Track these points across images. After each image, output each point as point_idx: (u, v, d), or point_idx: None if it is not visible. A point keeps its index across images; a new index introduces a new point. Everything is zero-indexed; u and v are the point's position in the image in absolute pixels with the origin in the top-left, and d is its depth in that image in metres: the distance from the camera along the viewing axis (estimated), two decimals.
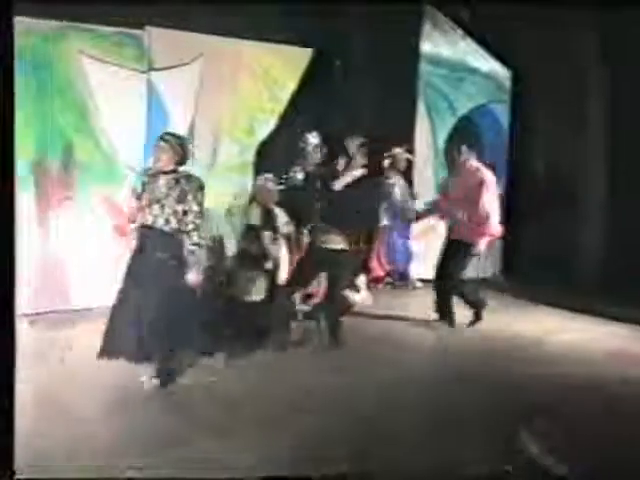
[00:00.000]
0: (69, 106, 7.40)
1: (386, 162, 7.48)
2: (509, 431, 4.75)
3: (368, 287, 8.48)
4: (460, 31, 9.82)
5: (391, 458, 4.41)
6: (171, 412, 5.04)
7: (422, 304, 7.84)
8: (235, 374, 5.83)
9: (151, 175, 5.58)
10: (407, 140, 9.41)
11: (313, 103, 8.94)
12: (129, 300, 5.38)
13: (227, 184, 8.21)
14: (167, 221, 5.41)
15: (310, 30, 8.79)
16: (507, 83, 10.42)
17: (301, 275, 6.84)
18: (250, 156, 8.57)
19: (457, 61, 9.95)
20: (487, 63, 10.19)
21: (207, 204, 7.84)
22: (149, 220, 5.46)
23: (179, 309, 5.36)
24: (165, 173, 5.48)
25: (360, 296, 8.24)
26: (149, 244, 5.45)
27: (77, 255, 7.54)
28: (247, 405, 5.22)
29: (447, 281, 7.51)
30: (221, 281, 7.45)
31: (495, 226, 7.32)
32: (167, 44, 7.83)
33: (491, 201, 7.28)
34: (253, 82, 8.49)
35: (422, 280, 9.09)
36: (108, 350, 5.40)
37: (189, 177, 5.50)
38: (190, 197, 5.41)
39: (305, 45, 8.81)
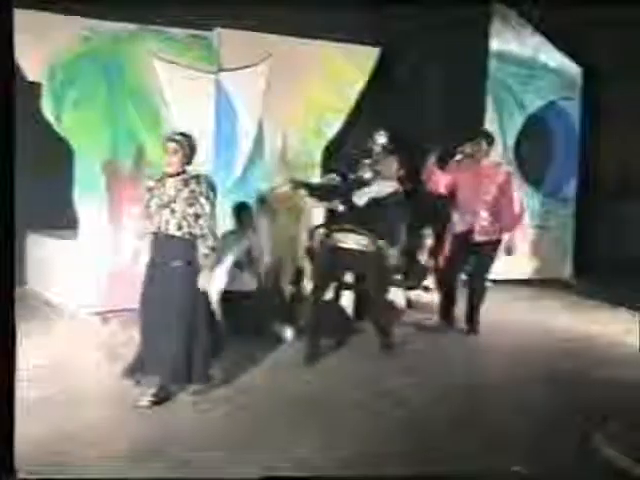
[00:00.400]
0: (140, 107, 7.54)
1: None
2: (583, 432, 4.74)
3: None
4: (530, 28, 9.70)
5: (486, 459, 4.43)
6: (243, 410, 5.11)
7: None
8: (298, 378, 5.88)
9: (158, 180, 5.33)
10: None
11: (381, 102, 8.94)
12: (153, 316, 5.21)
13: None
14: (179, 226, 5.15)
15: (378, 28, 8.80)
16: (578, 80, 10.27)
17: (317, 276, 6.63)
18: (317, 156, 8.60)
19: (527, 58, 9.85)
20: (557, 60, 10.07)
21: (275, 203, 8.08)
22: (160, 227, 5.20)
23: (198, 325, 5.20)
24: (171, 175, 5.23)
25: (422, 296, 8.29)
26: (163, 252, 5.21)
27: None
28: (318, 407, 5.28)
29: (482, 284, 7.46)
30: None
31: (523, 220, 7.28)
32: (236, 45, 7.90)
33: (517, 195, 7.30)
34: (321, 82, 8.49)
35: (494, 281, 9.00)
36: (136, 369, 5.25)
37: (198, 177, 5.24)
38: (202, 199, 5.15)
39: (373, 44, 8.79)
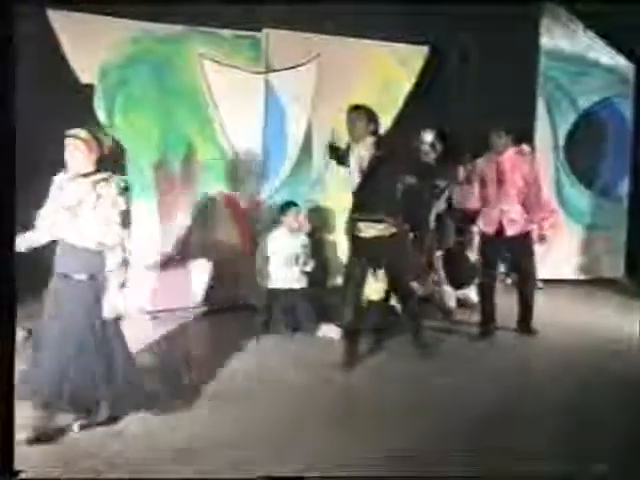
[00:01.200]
0: (190, 108, 7.64)
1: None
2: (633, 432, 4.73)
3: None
4: (581, 24, 9.61)
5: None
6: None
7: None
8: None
9: (68, 179, 4.61)
10: (527, 138, 9.23)
11: (429, 102, 8.92)
12: (49, 332, 4.55)
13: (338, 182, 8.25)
14: (81, 234, 4.50)
15: (426, 27, 8.78)
16: (631, 76, 10.14)
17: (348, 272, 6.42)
18: None
19: (578, 55, 9.76)
20: (610, 56, 9.95)
21: (326, 204, 8.13)
22: (60, 233, 4.56)
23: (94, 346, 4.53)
24: (82, 175, 4.54)
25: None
26: (66, 263, 4.55)
27: (198, 254, 7.77)
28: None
29: (531, 282, 7.38)
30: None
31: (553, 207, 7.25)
32: (284, 45, 7.99)
33: (544, 182, 7.30)
34: (369, 82, 8.52)
35: (544, 281, 8.93)
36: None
37: (108, 179, 4.54)
38: (110, 205, 4.48)
39: (421, 43, 8.81)
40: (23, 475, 3.49)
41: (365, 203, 6.10)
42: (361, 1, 8.05)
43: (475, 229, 8.13)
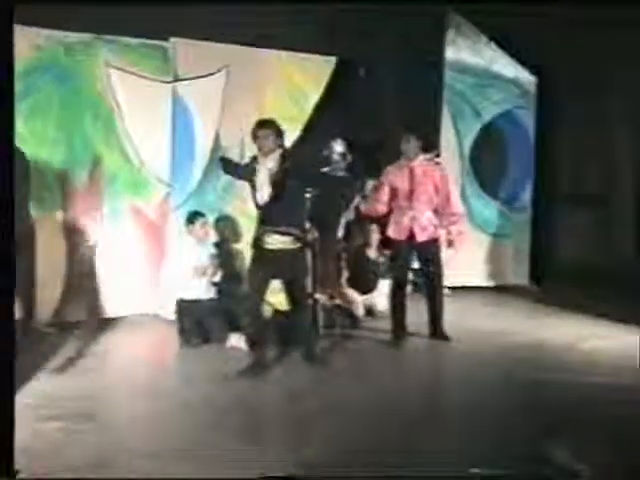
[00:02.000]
0: (96, 117, 7.58)
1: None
2: (536, 438, 4.79)
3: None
4: (484, 37, 9.88)
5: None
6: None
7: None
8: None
9: None
10: (433, 147, 9.43)
11: (337, 112, 9.02)
12: None
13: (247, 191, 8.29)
14: None
15: (333, 38, 8.90)
16: (533, 89, 10.46)
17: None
18: None
19: (482, 67, 10.02)
20: (512, 69, 10.26)
21: (233, 214, 8.13)
22: None
23: None
24: None
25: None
26: None
27: (106, 265, 7.70)
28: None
29: (440, 288, 7.53)
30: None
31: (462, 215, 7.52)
32: (192, 55, 7.99)
33: (454, 190, 7.46)
34: (278, 92, 8.58)
35: (452, 288, 9.11)
36: None
37: None
38: None
39: (328, 54, 8.90)
40: (23, 475, 3.54)
41: (272, 215, 6.12)
42: (269, 15, 8.11)
43: (375, 236, 8.28)
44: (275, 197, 6.05)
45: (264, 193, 6.08)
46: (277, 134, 6.16)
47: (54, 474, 4.09)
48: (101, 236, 7.73)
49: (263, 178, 6.10)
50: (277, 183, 6.05)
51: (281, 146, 6.22)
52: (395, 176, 7.26)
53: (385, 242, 8.02)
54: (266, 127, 6.16)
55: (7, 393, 3.27)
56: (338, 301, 8.14)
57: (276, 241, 6.17)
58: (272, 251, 6.18)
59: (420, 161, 7.27)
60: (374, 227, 8.33)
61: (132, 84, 7.75)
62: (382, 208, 7.38)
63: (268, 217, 6.16)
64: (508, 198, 10.47)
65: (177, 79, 7.95)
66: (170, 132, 7.95)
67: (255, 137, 6.17)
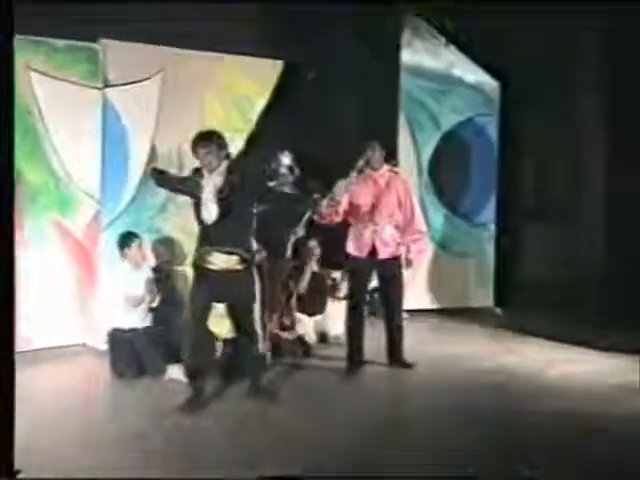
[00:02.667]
0: (17, 127, 7.28)
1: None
2: (505, 469, 4.77)
3: None
4: (444, 40, 9.85)
5: None
6: None
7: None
8: None
9: None
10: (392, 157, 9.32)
11: (285, 120, 8.92)
12: None
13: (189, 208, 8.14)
14: None
15: (280, 41, 8.79)
16: (495, 95, 10.45)
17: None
18: None
19: (441, 72, 10.02)
20: (474, 74, 10.25)
21: (173, 233, 7.97)
22: None
23: None
24: None
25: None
26: None
27: (28, 287, 7.41)
28: None
29: (399, 310, 7.44)
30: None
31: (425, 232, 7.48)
32: (124, 58, 7.79)
33: (417, 205, 7.42)
34: (220, 99, 8.46)
35: (409, 311, 9.01)
36: None
37: None
38: None
39: (275, 57, 8.79)
40: (23, 475, 3.57)
41: (217, 233, 5.94)
42: (209, 14, 7.98)
43: (312, 243, 8.16)
44: (222, 214, 5.88)
45: (211, 210, 5.90)
46: (220, 147, 5.99)
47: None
48: (23, 259, 7.43)
49: (209, 194, 5.91)
50: (224, 199, 5.89)
51: (227, 158, 6.05)
52: (357, 186, 7.10)
53: (335, 260, 7.95)
54: (207, 140, 5.96)
55: (7, 393, 3.37)
56: (287, 327, 8.01)
57: (220, 261, 5.99)
58: (215, 272, 6.01)
59: (384, 171, 7.18)
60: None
61: (57, 89, 7.52)
62: (336, 218, 7.16)
63: (213, 236, 5.98)
64: (469, 214, 10.45)
65: (108, 84, 7.76)
66: (100, 142, 7.75)
67: (196, 153, 5.99)
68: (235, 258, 6.00)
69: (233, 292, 6.13)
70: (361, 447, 5.27)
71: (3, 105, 3.41)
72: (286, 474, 4.23)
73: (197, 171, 6.07)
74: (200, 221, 6.00)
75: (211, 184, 5.91)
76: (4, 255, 3.45)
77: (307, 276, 8.29)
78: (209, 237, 6.00)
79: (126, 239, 7.21)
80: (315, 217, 7.37)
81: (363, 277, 7.30)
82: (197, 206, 6.00)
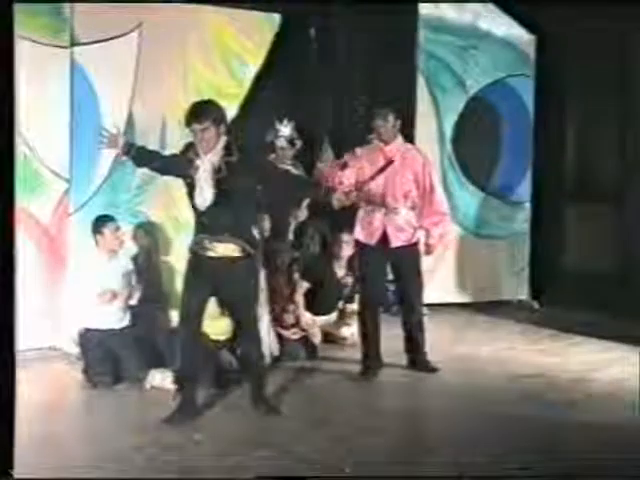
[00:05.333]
0: None
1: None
2: None
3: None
4: None
5: None
6: None
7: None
8: None
9: None
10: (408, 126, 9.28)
11: (284, 84, 8.91)
12: None
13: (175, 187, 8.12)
14: None
15: None
16: (531, 51, 10.43)
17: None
18: None
19: (466, 25, 10.00)
20: (504, 26, 10.22)
21: (155, 217, 7.97)
22: None
23: None
24: None
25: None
26: None
27: None
28: None
29: (419, 307, 7.46)
30: None
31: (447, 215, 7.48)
32: (95, 12, 7.76)
33: (438, 184, 7.40)
34: (207, 60, 8.49)
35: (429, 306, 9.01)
36: None
37: None
38: None
39: (271, 10, 8.78)
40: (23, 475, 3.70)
41: (214, 220, 5.94)
42: None
43: (345, 238, 8.13)
44: (220, 198, 5.87)
45: (206, 194, 5.89)
46: (219, 120, 5.91)
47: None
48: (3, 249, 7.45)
49: (204, 175, 5.89)
50: (222, 181, 5.88)
51: (226, 133, 6.01)
52: (366, 161, 7.09)
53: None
54: (203, 114, 5.86)
55: (7, 393, 3.58)
56: (290, 325, 8.03)
57: (219, 248, 6.00)
58: (214, 259, 6.02)
59: (398, 145, 7.15)
60: (344, 237, 8.20)
61: (18, 50, 7.41)
62: (338, 184, 6.97)
63: (209, 222, 5.97)
64: (501, 190, 10.45)
65: (75, 43, 7.76)
66: (68, 112, 7.74)
67: (190, 128, 5.90)
68: (231, 246, 6.00)
69: (233, 283, 6.14)
70: (377, 465, 5.25)
71: None
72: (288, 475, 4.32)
73: (190, 146, 6.02)
74: (194, 207, 5.99)
75: (207, 163, 5.89)
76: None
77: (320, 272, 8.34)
78: (205, 224, 6.00)
79: (100, 223, 7.18)
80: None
81: (375, 268, 7.29)
82: (190, 188, 5.97)
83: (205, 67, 8.43)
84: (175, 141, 8.03)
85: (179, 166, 6.04)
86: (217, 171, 5.88)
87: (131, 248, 7.74)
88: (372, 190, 7.07)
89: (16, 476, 4.43)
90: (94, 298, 7.01)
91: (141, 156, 6.06)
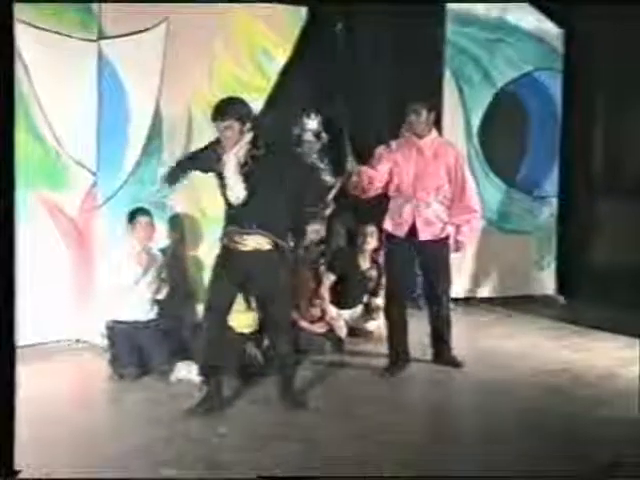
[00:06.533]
0: None
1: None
2: None
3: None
4: None
5: None
6: None
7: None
8: None
9: None
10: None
11: (311, 78, 8.92)
12: None
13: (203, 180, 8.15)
14: None
15: None
16: (559, 44, 10.39)
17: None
18: None
19: (494, 19, 9.98)
20: (533, 20, 10.18)
21: (183, 210, 8.00)
22: None
23: None
24: None
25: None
26: None
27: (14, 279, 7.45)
28: None
29: (447, 301, 7.47)
30: None
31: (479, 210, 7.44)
32: (123, 6, 7.79)
33: (470, 178, 7.37)
34: (233, 53, 8.50)
35: (455, 300, 9.01)
36: None
37: None
38: None
39: (297, 3, 8.82)
40: (23, 475, 3.68)
41: (242, 213, 6.02)
42: None
43: (369, 230, 8.14)
44: (250, 192, 5.96)
45: (237, 189, 5.99)
46: (244, 117, 5.99)
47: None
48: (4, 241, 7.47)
49: (232, 169, 5.99)
50: (250, 175, 5.96)
51: (253, 129, 6.06)
52: (399, 154, 7.13)
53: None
54: (228, 112, 5.95)
55: (7, 392, 3.52)
56: (317, 318, 8.08)
57: (250, 241, 6.05)
58: (244, 253, 6.08)
59: (431, 138, 7.16)
60: (369, 229, 8.22)
61: (44, 43, 7.51)
62: (374, 186, 7.13)
63: (239, 216, 6.05)
64: (528, 185, 10.42)
65: (103, 37, 7.78)
66: (96, 104, 7.77)
67: (216, 125, 6.00)
68: (260, 239, 6.06)
69: (264, 277, 6.18)
70: (405, 461, 5.24)
71: None
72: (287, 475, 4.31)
73: (217, 142, 6.11)
74: (227, 201, 6.08)
75: (233, 158, 5.98)
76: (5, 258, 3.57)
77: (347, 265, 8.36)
78: (235, 217, 6.08)
79: (134, 215, 7.24)
80: (351, 182, 7.33)
81: (402, 261, 7.29)
82: (221, 182, 6.07)
83: (231, 61, 8.44)
84: (202, 135, 8.13)
85: (205, 162, 6.16)
86: (244, 165, 5.95)
87: (162, 241, 7.78)
88: (403, 183, 7.11)
89: (43, 469, 4.57)
90: (123, 291, 7.06)
91: (176, 173, 6.31)
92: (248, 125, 6.01)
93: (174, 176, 6.32)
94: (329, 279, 8.21)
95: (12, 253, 3.68)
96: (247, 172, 5.93)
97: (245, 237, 6.03)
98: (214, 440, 5.54)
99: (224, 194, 6.06)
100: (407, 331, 7.28)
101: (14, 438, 3.53)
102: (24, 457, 4.68)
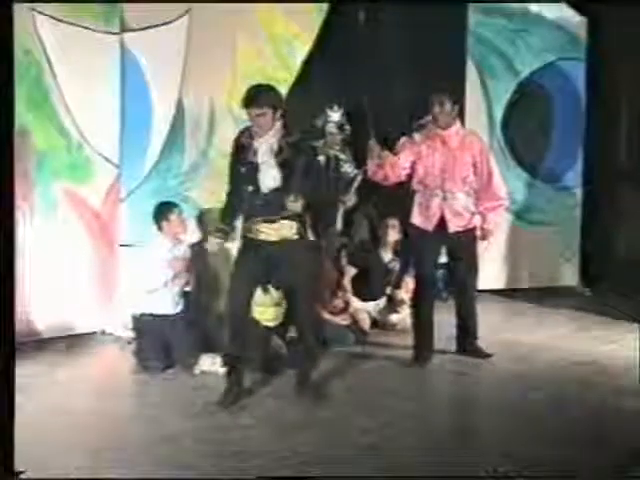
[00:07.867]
0: (21, 78, 7.32)
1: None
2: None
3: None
4: None
5: None
6: None
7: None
8: None
9: None
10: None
11: (333, 70, 8.92)
12: None
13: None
14: None
15: None
16: (582, 33, 10.33)
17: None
18: None
19: (516, 8, 9.94)
20: (555, 8, 10.13)
21: (207, 202, 8.01)
22: None
23: None
24: None
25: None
26: None
27: (39, 272, 7.49)
28: None
29: (473, 292, 7.48)
30: None
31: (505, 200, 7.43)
32: None
33: (496, 168, 7.34)
34: (255, 45, 8.53)
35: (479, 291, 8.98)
36: None
37: None
38: None
39: None
40: (23, 475, 3.76)
41: (272, 199, 6.00)
42: None
43: (391, 222, 8.14)
44: (286, 179, 5.96)
45: (271, 175, 5.99)
46: (277, 105, 5.99)
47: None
48: (29, 234, 7.51)
49: (266, 157, 6.00)
50: (286, 162, 5.96)
51: (283, 116, 6.07)
52: (424, 146, 7.12)
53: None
54: (263, 99, 5.93)
55: (7, 393, 3.57)
56: (339, 310, 8.05)
57: (277, 230, 6.06)
58: (270, 243, 6.09)
59: (457, 129, 7.16)
60: (391, 221, 8.20)
61: (67, 35, 7.52)
62: (396, 173, 7.13)
63: (268, 205, 6.03)
64: (552, 176, 10.37)
65: (126, 29, 7.83)
66: (118, 97, 7.81)
67: (248, 113, 5.98)
68: (293, 224, 6.07)
69: (290, 266, 6.19)
70: (430, 452, 5.25)
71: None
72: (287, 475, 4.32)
73: (245, 131, 6.13)
74: (256, 190, 6.03)
75: (265, 146, 5.99)
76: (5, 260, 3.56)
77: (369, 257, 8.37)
78: (261, 206, 6.05)
79: (165, 208, 7.22)
80: (369, 170, 7.31)
81: (430, 254, 7.30)
82: (253, 171, 6.03)
83: (254, 53, 8.47)
84: (224, 127, 8.16)
85: (243, 158, 6.10)
86: (278, 152, 5.97)
87: (192, 234, 7.76)
88: (429, 175, 7.10)
89: (67, 461, 4.59)
90: (150, 283, 7.06)
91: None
92: (279, 113, 6.02)
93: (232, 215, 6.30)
94: (351, 271, 8.22)
95: (12, 253, 3.66)
96: (282, 159, 5.94)
97: (273, 225, 6.02)
98: (237, 432, 5.55)
99: (253, 182, 6.03)
100: (433, 324, 7.30)
101: (14, 438, 3.56)
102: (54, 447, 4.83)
